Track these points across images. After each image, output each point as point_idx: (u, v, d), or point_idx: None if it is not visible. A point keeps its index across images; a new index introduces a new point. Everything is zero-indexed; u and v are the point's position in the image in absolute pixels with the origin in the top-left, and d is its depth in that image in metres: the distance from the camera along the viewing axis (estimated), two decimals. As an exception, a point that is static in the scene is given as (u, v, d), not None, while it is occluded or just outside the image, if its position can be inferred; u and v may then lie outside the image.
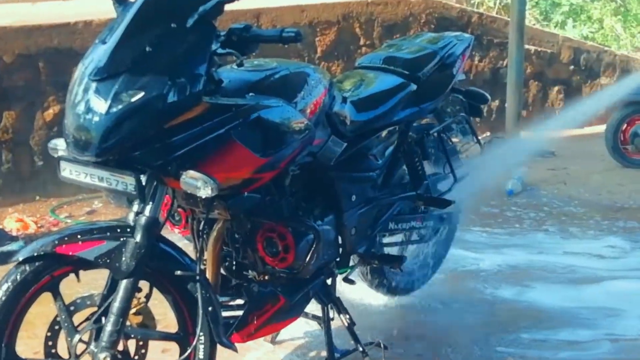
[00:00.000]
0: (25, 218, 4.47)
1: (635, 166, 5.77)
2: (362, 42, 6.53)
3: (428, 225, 3.26)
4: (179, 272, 2.22)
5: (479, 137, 3.57)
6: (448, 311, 3.37)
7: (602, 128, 6.17)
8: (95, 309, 2.19)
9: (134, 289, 2.15)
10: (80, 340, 2.17)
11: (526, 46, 6.87)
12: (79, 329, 2.18)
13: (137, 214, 2.15)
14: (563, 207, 4.94)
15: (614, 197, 5.12)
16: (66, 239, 2.12)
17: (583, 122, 6.27)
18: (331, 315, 2.77)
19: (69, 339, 2.17)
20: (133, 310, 2.23)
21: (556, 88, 8.15)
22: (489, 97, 3.43)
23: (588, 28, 9.58)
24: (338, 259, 2.76)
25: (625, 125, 5.81)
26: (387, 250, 3.13)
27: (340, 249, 2.75)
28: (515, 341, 3.07)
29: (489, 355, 2.97)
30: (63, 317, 2.18)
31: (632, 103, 5.71)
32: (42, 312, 2.22)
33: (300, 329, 3.03)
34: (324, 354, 2.80)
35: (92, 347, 2.15)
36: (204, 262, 2.49)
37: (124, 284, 2.12)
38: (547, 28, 9.25)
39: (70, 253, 2.11)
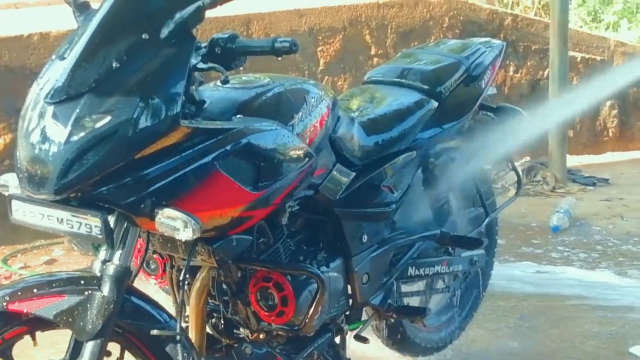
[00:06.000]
0: (-28, 270, 4.49)
1: None
2: (372, 51, 6.57)
3: (456, 270, 3.25)
4: (155, 332, 2.21)
5: (515, 164, 3.58)
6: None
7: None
8: (55, 378, 2.19)
9: (101, 353, 2.13)
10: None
11: (571, 53, 6.90)
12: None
13: (105, 262, 2.14)
14: (620, 245, 4.93)
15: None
16: (19, 293, 2.12)
17: None
18: (341, 380, 2.77)
19: (24, 414, 2.17)
20: (101, 379, 2.23)
21: (609, 103, 8.16)
22: (526, 115, 3.45)
23: (645, 30, 9.65)
24: (348, 313, 2.76)
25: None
26: (406, 300, 3.12)
27: (350, 301, 2.74)
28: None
29: None
30: (17, 388, 2.17)
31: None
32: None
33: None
34: None
35: None
36: (186, 319, 2.50)
37: (89, 347, 2.11)
38: (596, 31, 9.31)
39: (25, 311, 2.10)
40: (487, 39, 3.55)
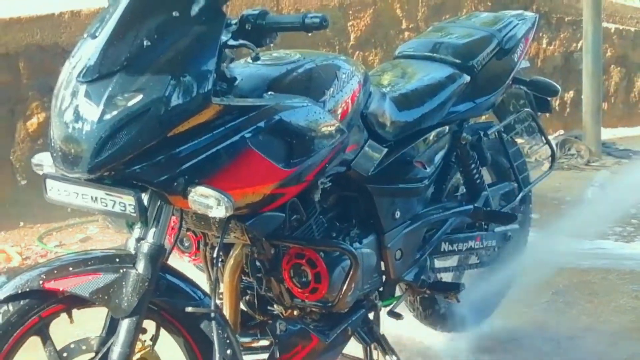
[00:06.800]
0: (8, 248, 4.53)
1: None
2: (404, 25, 6.53)
3: (489, 246, 3.24)
4: (190, 309, 2.22)
5: (549, 137, 3.55)
6: (521, 350, 3.36)
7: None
8: (92, 354, 2.20)
9: (137, 330, 2.15)
10: (75, 392, 2.19)
11: (604, 24, 6.82)
12: (74, 378, 2.20)
13: (139, 240, 2.16)
14: (655, 219, 4.90)
15: None
16: (56, 272, 2.14)
17: None
18: (375, 356, 2.77)
19: (62, 390, 2.19)
20: (137, 356, 2.23)
21: (644, 74, 8.07)
22: (560, 88, 3.41)
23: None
24: (381, 289, 2.76)
25: None
26: (440, 276, 3.12)
27: (384, 277, 2.74)
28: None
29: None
30: (54, 365, 2.20)
31: None
32: (29, 359, 2.24)
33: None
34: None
35: (89, 400, 2.18)
36: (220, 296, 2.51)
37: (125, 324, 2.13)
38: (631, 1, 9.17)
39: (61, 289, 2.12)
40: (520, 11, 3.52)
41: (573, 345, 3.36)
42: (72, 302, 2.17)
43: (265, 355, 2.46)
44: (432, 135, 2.92)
